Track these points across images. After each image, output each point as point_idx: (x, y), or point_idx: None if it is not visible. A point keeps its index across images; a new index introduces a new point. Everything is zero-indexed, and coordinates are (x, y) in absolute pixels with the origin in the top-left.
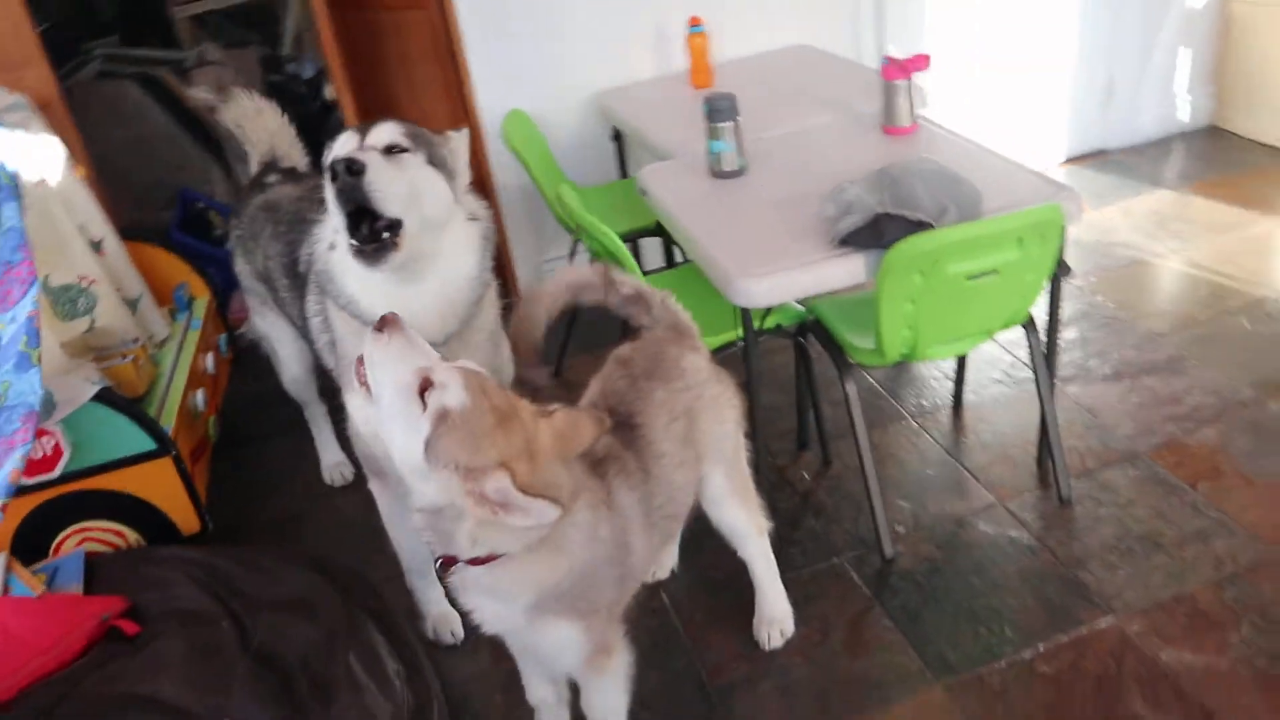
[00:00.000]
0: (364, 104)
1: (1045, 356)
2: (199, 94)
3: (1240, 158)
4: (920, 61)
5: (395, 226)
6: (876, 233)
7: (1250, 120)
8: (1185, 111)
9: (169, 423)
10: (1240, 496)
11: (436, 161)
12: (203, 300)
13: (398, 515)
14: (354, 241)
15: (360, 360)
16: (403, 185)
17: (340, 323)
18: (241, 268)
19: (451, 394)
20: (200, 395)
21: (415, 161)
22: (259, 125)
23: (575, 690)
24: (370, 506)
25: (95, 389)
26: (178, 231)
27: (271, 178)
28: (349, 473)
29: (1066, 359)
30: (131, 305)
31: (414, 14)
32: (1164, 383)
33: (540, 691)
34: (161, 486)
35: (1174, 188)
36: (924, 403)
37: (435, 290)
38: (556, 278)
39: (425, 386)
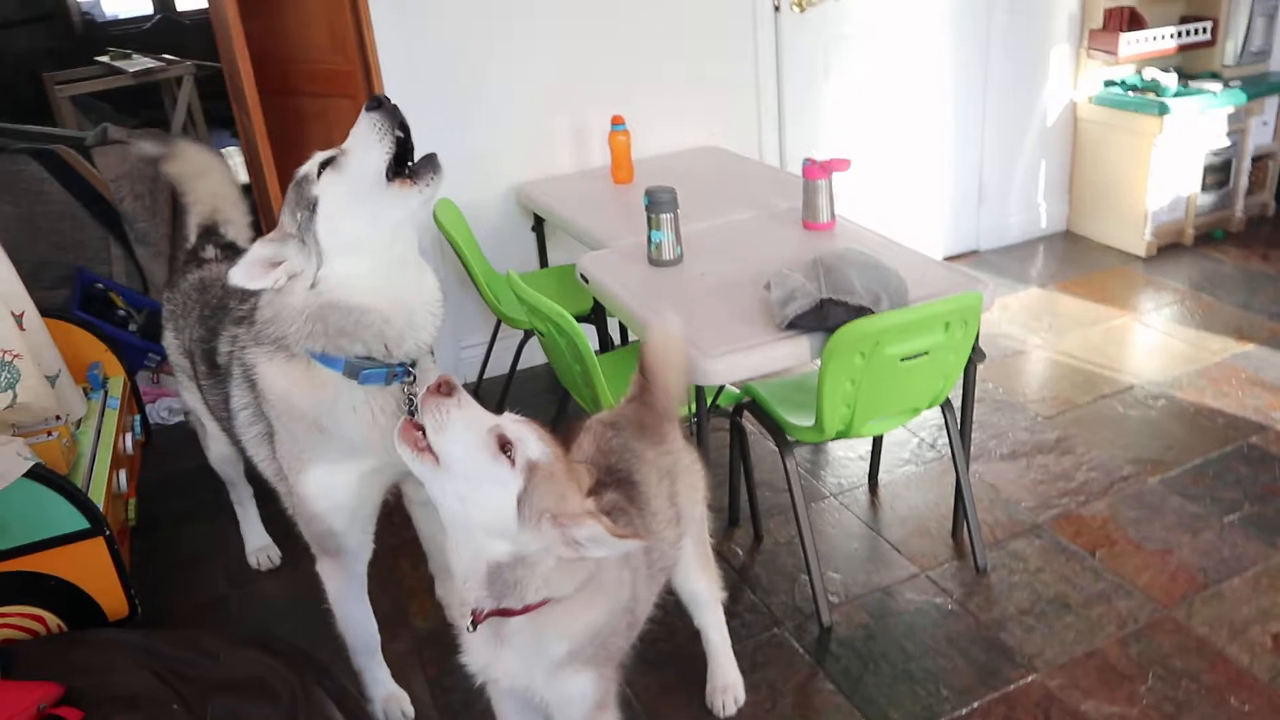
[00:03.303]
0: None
1: (960, 434)
2: (146, 147)
3: (1094, 259)
4: (840, 164)
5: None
6: (822, 316)
7: (1099, 226)
8: (1044, 218)
9: (98, 501)
10: (1133, 561)
11: None
12: (118, 379)
13: (348, 595)
14: (410, 163)
15: (409, 425)
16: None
17: (281, 412)
18: (170, 341)
19: (533, 447)
20: (123, 475)
21: None
22: (202, 185)
23: None
24: (301, 589)
25: (29, 464)
26: (79, 312)
27: (209, 252)
28: (276, 556)
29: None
30: (50, 381)
31: (342, 101)
32: (1055, 461)
33: None
34: (90, 568)
35: (1041, 285)
36: (843, 482)
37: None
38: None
39: (503, 444)
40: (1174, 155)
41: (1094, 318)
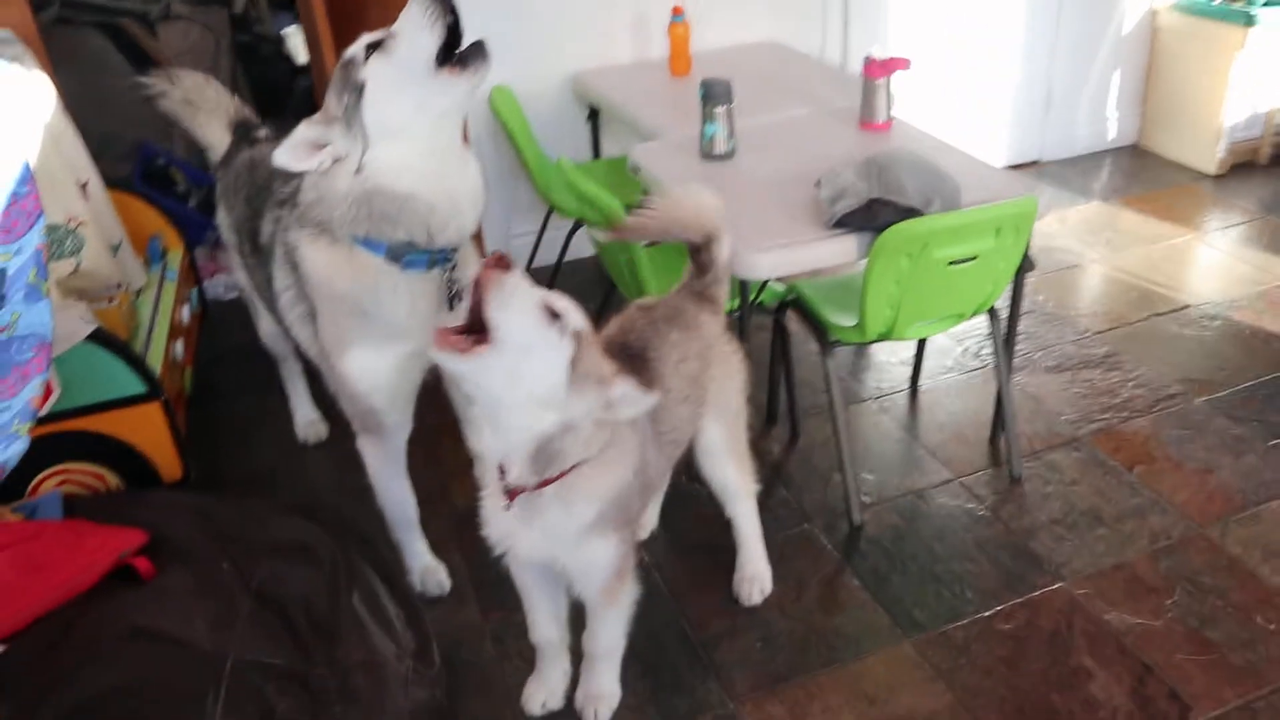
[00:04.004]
0: None
1: (1005, 343)
2: (146, 89)
3: (1162, 175)
4: (900, 63)
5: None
6: (870, 216)
7: (1170, 140)
8: (1113, 129)
9: (155, 369)
10: (1171, 479)
11: None
12: (176, 252)
13: (387, 470)
14: (459, 51)
15: (445, 333)
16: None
17: (323, 294)
18: (223, 219)
19: (574, 316)
20: (180, 346)
21: None
22: (207, 96)
23: (575, 634)
24: (345, 465)
25: (90, 328)
26: (140, 184)
27: (262, 132)
28: (323, 431)
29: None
30: (112, 250)
31: None
32: (1101, 376)
33: (545, 631)
34: (147, 431)
35: (1104, 199)
36: (884, 386)
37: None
38: (693, 198)
39: (552, 314)
40: (1256, 69)
41: (1155, 235)
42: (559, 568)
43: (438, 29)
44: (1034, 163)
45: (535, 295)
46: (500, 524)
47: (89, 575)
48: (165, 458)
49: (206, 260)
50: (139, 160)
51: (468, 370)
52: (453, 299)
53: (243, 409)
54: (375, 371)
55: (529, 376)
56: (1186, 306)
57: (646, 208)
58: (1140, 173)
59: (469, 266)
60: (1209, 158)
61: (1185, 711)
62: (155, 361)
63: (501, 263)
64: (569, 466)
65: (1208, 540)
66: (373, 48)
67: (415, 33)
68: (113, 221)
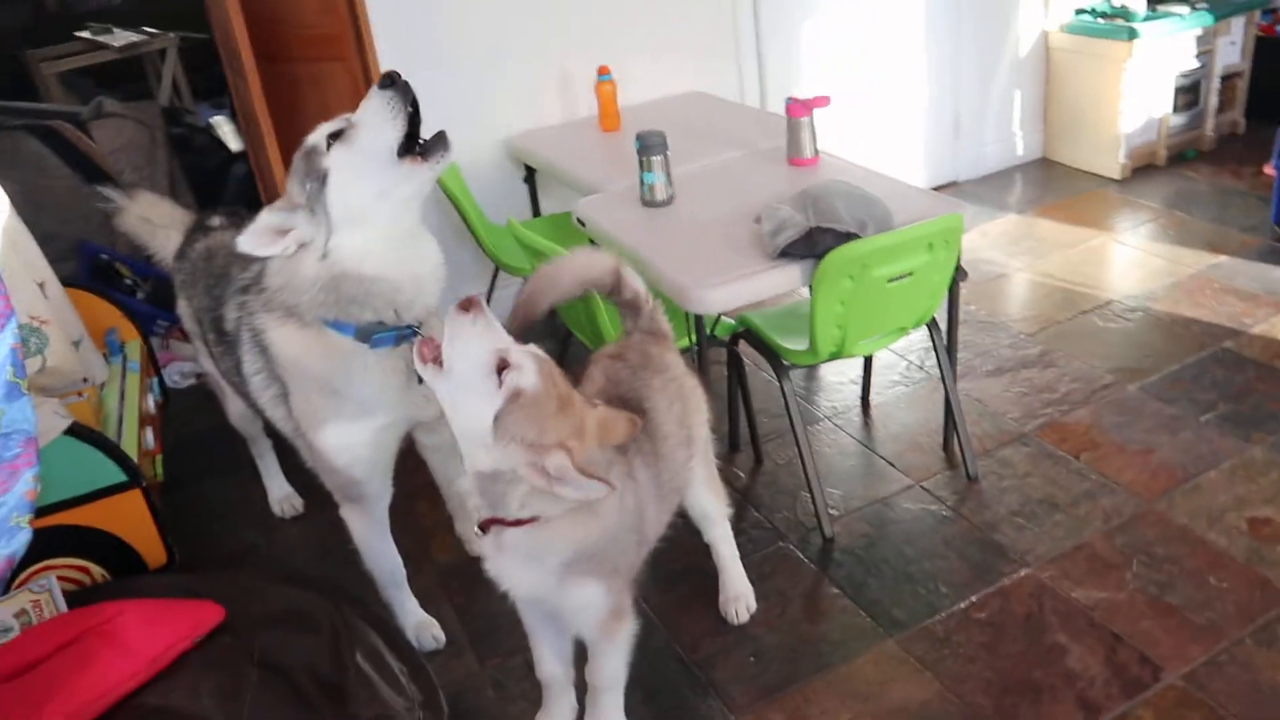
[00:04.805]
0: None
1: (947, 351)
2: (106, 204)
3: (1070, 184)
4: (820, 101)
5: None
6: (811, 244)
7: (1074, 151)
8: (1020, 146)
9: (130, 456)
10: (1116, 462)
11: None
12: (135, 343)
13: (372, 535)
14: (421, 141)
15: (426, 341)
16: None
17: (294, 375)
18: (184, 309)
19: (525, 376)
20: (149, 434)
21: None
22: (162, 211)
23: (579, 668)
24: (325, 533)
25: (66, 422)
26: (89, 281)
27: (215, 220)
28: (299, 504)
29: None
30: (74, 346)
31: (334, 65)
32: (1039, 374)
33: (550, 667)
34: (129, 519)
35: (1020, 211)
36: (837, 405)
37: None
38: (576, 259)
39: (502, 366)
40: (1145, 78)
41: (1072, 239)
42: (550, 606)
43: (399, 122)
44: (952, 184)
45: (489, 341)
46: (492, 559)
47: (172, 653)
48: (149, 544)
49: (161, 350)
50: (84, 258)
51: (426, 379)
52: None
53: (214, 492)
54: (352, 445)
55: (463, 411)
56: (1109, 302)
57: (526, 282)
58: (1050, 183)
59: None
60: (1112, 164)
61: (1157, 672)
62: (129, 449)
63: (466, 304)
64: (526, 517)
65: (1156, 514)
66: (334, 137)
67: (377, 125)
68: (72, 318)
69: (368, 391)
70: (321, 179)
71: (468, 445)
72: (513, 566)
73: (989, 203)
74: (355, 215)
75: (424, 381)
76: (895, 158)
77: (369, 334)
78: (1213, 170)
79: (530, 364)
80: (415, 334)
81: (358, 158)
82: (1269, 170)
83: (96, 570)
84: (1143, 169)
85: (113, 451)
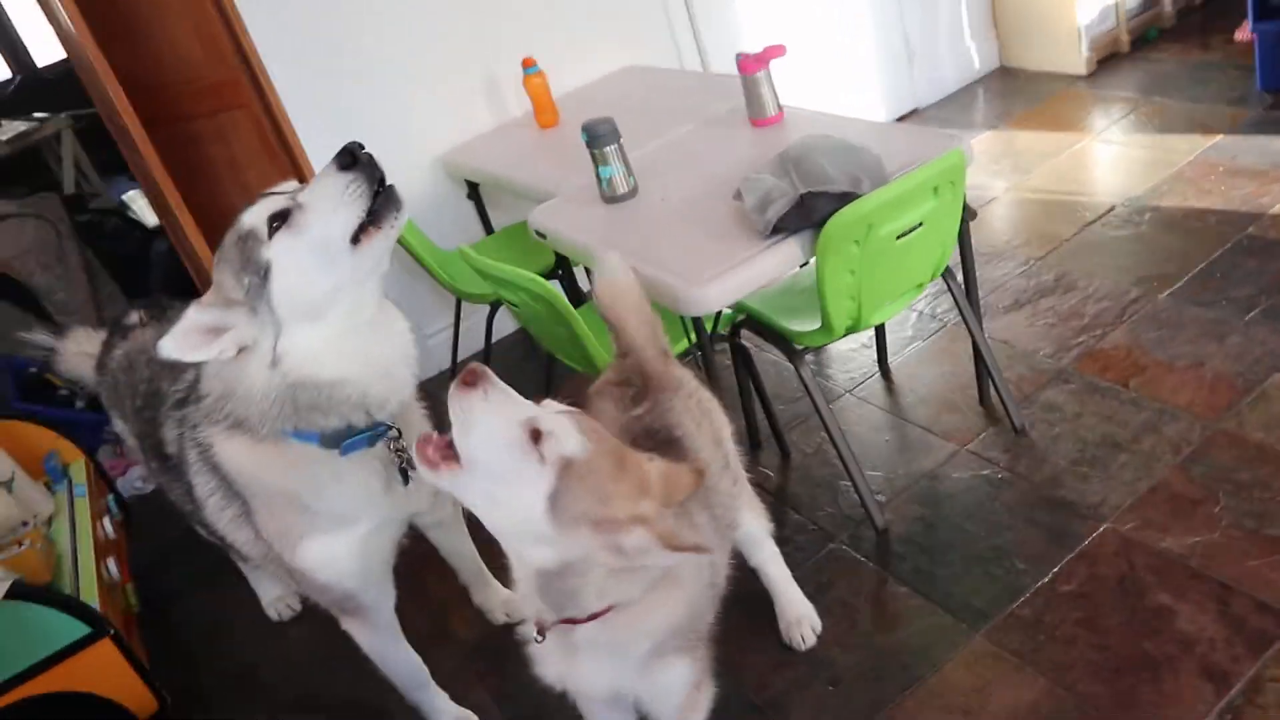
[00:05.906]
0: (200, 220)
1: (967, 296)
2: (39, 351)
3: (1037, 88)
4: (776, 50)
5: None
6: (806, 213)
7: (1033, 53)
8: (976, 59)
9: (92, 600)
10: (1168, 383)
11: None
12: (79, 464)
13: (382, 643)
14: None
15: (425, 441)
16: None
17: (254, 491)
18: (120, 426)
19: (569, 440)
20: (112, 563)
21: None
22: (99, 341)
23: None
24: (330, 633)
25: (6, 584)
26: (20, 404)
27: (131, 318)
28: (296, 604)
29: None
30: (5, 488)
31: (235, 114)
32: (1060, 300)
33: None
34: (104, 672)
35: (992, 127)
36: (854, 375)
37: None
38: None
39: (535, 437)
40: None
41: (1054, 147)
42: (629, 698)
43: (358, 206)
44: (913, 112)
45: (511, 413)
46: (551, 663)
47: None
48: (133, 694)
49: (113, 458)
50: (10, 377)
51: (445, 488)
52: (404, 469)
53: (198, 609)
54: (336, 559)
55: (505, 506)
56: (1112, 208)
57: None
58: (1015, 92)
59: (416, 428)
60: (1075, 59)
61: None
62: (89, 593)
63: (470, 378)
64: (601, 609)
65: (1227, 434)
66: (276, 219)
67: (332, 210)
68: None
69: (344, 502)
70: (263, 273)
71: (519, 544)
72: (588, 667)
73: (958, 124)
74: (307, 312)
75: (410, 482)
76: (851, 96)
77: (337, 440)
78: (1180, 47)
79: (568, 424)
80: (390, 430)
81: (307, 248)
82: (1241, 36)
83: None
84: (1107, 59)
85: (67, 604)
